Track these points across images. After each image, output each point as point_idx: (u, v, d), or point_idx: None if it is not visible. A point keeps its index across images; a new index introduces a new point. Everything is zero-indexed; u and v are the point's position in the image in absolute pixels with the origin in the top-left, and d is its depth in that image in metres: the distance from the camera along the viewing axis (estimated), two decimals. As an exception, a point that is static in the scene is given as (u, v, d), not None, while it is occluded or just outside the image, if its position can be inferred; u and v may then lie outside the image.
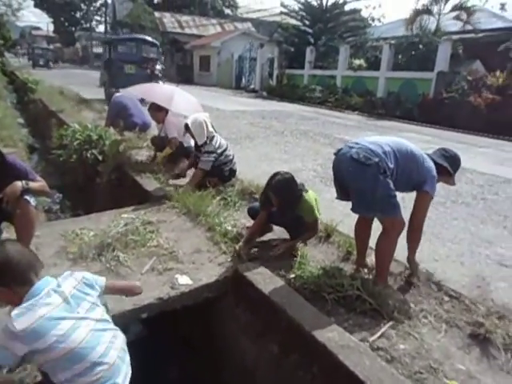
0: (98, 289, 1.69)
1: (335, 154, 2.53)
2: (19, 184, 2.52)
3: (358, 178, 2.34)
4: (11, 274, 1.51)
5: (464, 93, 12.04)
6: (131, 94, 6.02)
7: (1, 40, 22.96)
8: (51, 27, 60.91)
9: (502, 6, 21.41)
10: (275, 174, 2.81)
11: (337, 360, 1.85)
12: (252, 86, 22.58)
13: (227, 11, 42.48)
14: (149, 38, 13.23)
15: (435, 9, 15.68)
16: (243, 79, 24.24)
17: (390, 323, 2.21)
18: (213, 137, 4.13)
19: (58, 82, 14.85)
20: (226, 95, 18.90)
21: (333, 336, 1.99)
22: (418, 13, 15.73)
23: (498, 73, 11.99)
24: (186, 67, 30.73)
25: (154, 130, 6.07)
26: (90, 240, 3.00)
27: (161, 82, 10.98)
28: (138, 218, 3.44)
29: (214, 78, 26.98)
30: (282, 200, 2.75)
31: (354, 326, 2.18)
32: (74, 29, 58.05)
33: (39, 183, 2.73)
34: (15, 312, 1.46)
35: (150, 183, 4.24)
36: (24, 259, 1.57)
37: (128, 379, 1.64)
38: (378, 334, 2.12)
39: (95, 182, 5.13)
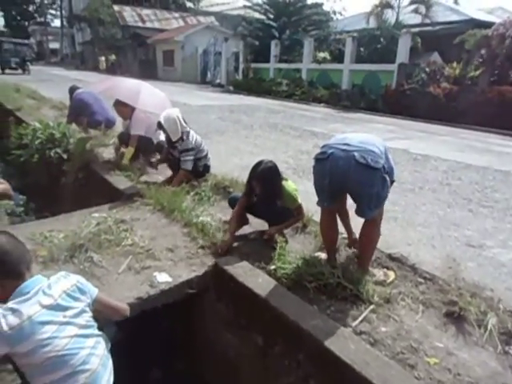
0: (89, 297, 1.63)
1: (320, 158, 2.39)
2: None
3: (367, 182, 2.28)
4: (3, 266, 1.44)
5: (424, 83, 12.48)
6: (93, 90, 5.80)
7: None
8: (1, 22, 57.55)
9: (455, 0, 22.28)
10: (259, 163, 2.81)
11: (322, 346, 1.87)
12: (218, 81, 22.40)
13: (189, 4, 41.67)
14: None
15: (395, 3, 16.12)
16: (209, 74, 24.00)
17: (371, 307, 2.26)
18: (188, 132, 4.06)
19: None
20: (192, 90, 18.64)
21: (317, 323, 2.02)
22: (378, 6, 16.11)
23: (454, 64, 12.52)
24: (148, 62, 30.00)
25: (118, 126, 5.88)
26: (61, 242, 2.87)
27: None
28: (110, 216, 3.32)
29: (179, 73, 26.50)
30: (266, 188, 2.75)
31: (336, 312, 2.21)
32: (27, 23, 55.16)
33: (1, 186, 2.58)
34: (1, 310, 1.39)
35: (120, 181, 4.11)
36: (17, 251, 1.49)
37: None
38: (360, 318, 2.17)
39: (61, 182, 4.92)
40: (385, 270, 2.71)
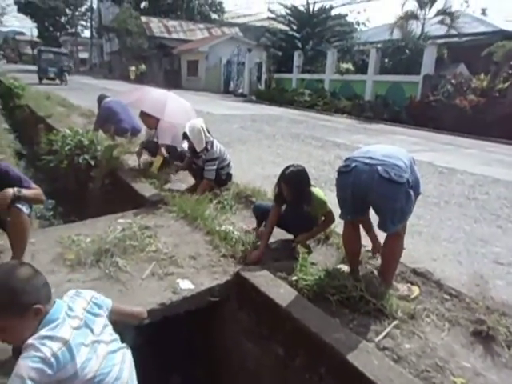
0: (106, 310, 1.61)
1: (343, 171, 2.38)
2: (10, 191, 2.46)
3: (391, 197, 2.26)
4: (39, 287, 1.37)
5: (450, 95, 12.28)
6: (122, 100, 5.96)
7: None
8: (35, 32, 60.17)
9: (483, 11, 21.94)
10: (288, 166, 2.86)
11: (345, 360, 1.85)
12: (240, 91, 22.65)
13: (214, 16, 42.66)
14: None
15: (420, 14, 15.99)
16: (231, 84, 24.29)
17: (394, 323, 2.22)
18: (212, 142, 4.13)
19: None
20: (215, 99, 18.89)
21: (339, 337, 1.99)
22: (403, 18, 16.02)
23: (482, 76, 12.27)
24: (173, 72, 30.65)
25: (143, 134, 6.02)
26: (87, 246, 2.95)
27: None
28: (135, 222, 3.40)
29: (203, 83, 26.97)
30: (294, 191, 2.78)
31: (358, 326, 2.18)
32: (58, 34, 57.40)
33: (33, 191, 2.66)
34: (35, 340, 1.30)
35: (145, 188, 4.20)
36: (46, 285, 1.42)
37: None
38: (383, 333, 2.13)
39: (88, 188, 5.06)
40: (409, 284, 2.66)
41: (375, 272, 2.72)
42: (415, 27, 16.23)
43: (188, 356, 2.93)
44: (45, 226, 4.28)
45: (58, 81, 22.84)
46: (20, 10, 53.68)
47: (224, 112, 12.99)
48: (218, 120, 10.74)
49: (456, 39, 15.56)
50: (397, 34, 16.24)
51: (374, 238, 2.89)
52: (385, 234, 2.46)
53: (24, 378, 1.22)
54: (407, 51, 14.92)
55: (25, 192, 2.55)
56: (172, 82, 27.60)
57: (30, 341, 1.30)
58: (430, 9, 15.86)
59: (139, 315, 1.93)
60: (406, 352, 2.01)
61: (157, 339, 2.76)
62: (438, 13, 15.85)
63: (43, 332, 1.33)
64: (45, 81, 22.35)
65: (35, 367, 1.24)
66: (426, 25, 16.03)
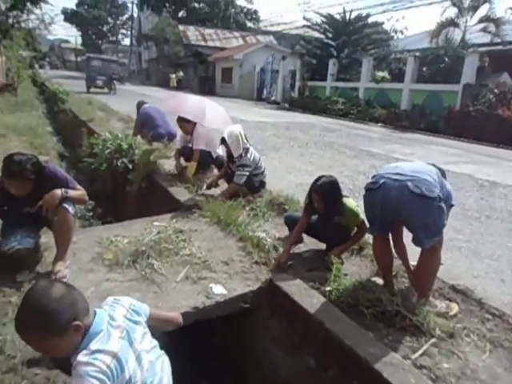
0: (145, 317, 1.56)
1: (371, 187, 2.36)
2: (59, 192, 2.59)
3: (422, 212, 2.21)
4: (77, 303, 1.33)
5: (492, 105, 11.81)
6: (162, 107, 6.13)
7: (33, 52, 23.92)
8: (79, 40, 63.25)
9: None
10: (320, 177, 2.84)
11: (380, 377, 1.80)
12: (273, 98, 22.76)
13: (249, 24, 43.19)
14: None
15: (461, 21, 15.52)
16: (264, 91, 24.45)
17: (432, 340, 2.14)
18: (247, 149, 4.17)
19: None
20: (249, 106, 19.07)
21: (374, 351, 1.95)
22: (443, 25, 15.60)
23: (527, 85, 11.74)
24: (208, 79, 31.25)
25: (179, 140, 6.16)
26: (125, 247, 3.04)
27: None
28: (170, 226, 3.47)
29: (236, 90, 27.33)
30: (326, 202, 2.75)
31: (394, 342, 2.12)
32: (100, 41, 60.13)
33: (79, 192, 2.79)
34: (86, 357, 1.27)
35: (180, 192, 4.29)
36: (81, 299, 1.37)
37: None
38: (420, 351, 2.06)
39: (125, 190, 5.23)
40: (447, 301, 2.56)
41: (411, 287, 2.65)
42: (456, 34, 15.76)
43: (217, 361, 2.94)
44: (85, 226, 4.45)
45: (106, 89, 21.66)
46: (66, 20, 56.73)
47: (257, 119, 13.08)
48: (251, 127, 10.82)
49: (500, 47, 14.94)
50: (436, 42, 15.81)
51: (407, 266, 2.75)
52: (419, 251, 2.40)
53: None
54: (446, 59, 14.51)
55: (71, 193, 2.67)
56: (206, 88, 28.17)
57: (80, 358, 1.27)
58: (471, 16, 15.36)
59: (175, 320, 1.88)
60: (444, 372, 1.93)
61: (188, 343, 2.80)
62: (481, 20, 15.31)
63: (92, 346, 1.30)
64: (92, 89, 21.31)
65: (95, 382, 1.22)
66: (468, 32, 15.52)
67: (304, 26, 25.56)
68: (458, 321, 2.36)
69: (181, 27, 35.04)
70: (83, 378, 1.22)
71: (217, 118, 4.56)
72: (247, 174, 4.14)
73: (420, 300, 2.39)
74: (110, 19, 59.85)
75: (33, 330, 1.24)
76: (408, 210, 2.25)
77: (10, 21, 16.21)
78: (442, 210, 2.24)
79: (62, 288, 1.33)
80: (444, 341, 2.15)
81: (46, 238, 2.97)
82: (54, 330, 1.25)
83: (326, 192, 2.76)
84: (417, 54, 15.78)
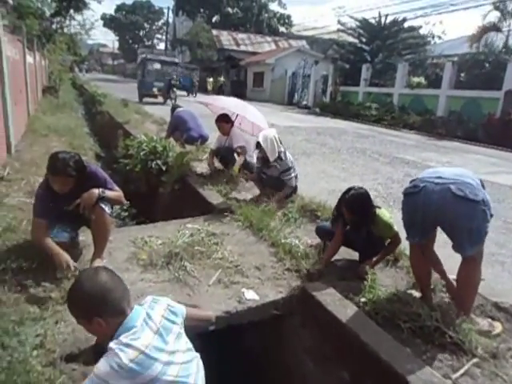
0: (181, 317, 1.59)
1: (411, 191, 2.29)
2: (96, 192, 2.67)
3: (466, 216, 2.13)
4: (107, 303, 1.42)
5: (536, 113, 11.25)
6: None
7: (74, 56, 24.97)
8: (116, 44, 65.57)
9: None
10: (349, 189, 2.77)
11: (419, 396, 1.72)
12: (304, 103, 22.64)
13: (282, 29, 43.30)
14: None
15: (504, 25, 14.92)
16: (296, 95, 24.37)
17: (474, 360, 2.03)
18: (285, 152, 4.20)
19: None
20: (279, 111, 19.05)
21: (412, 368, 1.87)
22: (484, 30, 15.05)
23: None
24: (239, 83, 31.50)
25: (211, 143, 6.24)
26: (158, 248, 3.09)
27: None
28: (203, 228, 3.50)
29: (267, 94, 27.40)
30: (356, 215, 2.68)
31: (432, 359, 2.03)
32: (136, 46, 62.03)
33: (116, 193, 2.86)
34: (115, 345, 1.35)
35: (212, 195, 4.32)
36: (119, 288, 1.48)
37: None
38: (462, 371, 1.96)
39: (158, 192, 5.32)
40: (489, 319, 2.43)
41: (450, 302, 2.54)
42: (497, 39, 15.15)
43: (246, 367, 2.92)
44: (119, 226, 4.56)
45: (160, 99, 17.38)
46: (105, 25, 59.01)
47: (288, 124, 13.04)
48: (282, 132, 10.78)
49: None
50: (476, 47, 15.26)
51: (444, 276, 2.63)
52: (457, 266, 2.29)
53: (101, 379, 1.31)
54: (487, 65, 13.96)
55: (108, 193, 2.75)
56: (238, 92, 28.33)
57: (111, 344, 1.37)
58: (515, 20, 14.76)
59: (208, 319, 1.94)
60: (488, 395, 1.83)
61: (217, 347, 2.80)
62: (526, 24, 14.67)
63: (123, 338, 1.37)
64: (146, 98, 17.43)
65: (112, 371, 1.31)
66: (511, 37, 14.89)
67: (338, 31, 25.30)
68: (501, 341, 2.24)
69: (214, 32, 35.59)
70: (103, 361, 1.34)
71: (257, 116, 4.69)
72: (293, 176, 4.24)
73: (460, 316, 2.28)
74: (146, 24, 61.76)
75: (71, 309, 1.51)
76: (452, 214, 2.16)
77: (54, 26, 17.04)
78: (486, 215, 2.15)
79: (97, 287, 1.44)
80: (487, 361, 2.05)
81: (85, 236, 3.07)
82: (80, 316, 1.48)
83: (356, 206, 2.68)
84: (455, 59, 15.27)
